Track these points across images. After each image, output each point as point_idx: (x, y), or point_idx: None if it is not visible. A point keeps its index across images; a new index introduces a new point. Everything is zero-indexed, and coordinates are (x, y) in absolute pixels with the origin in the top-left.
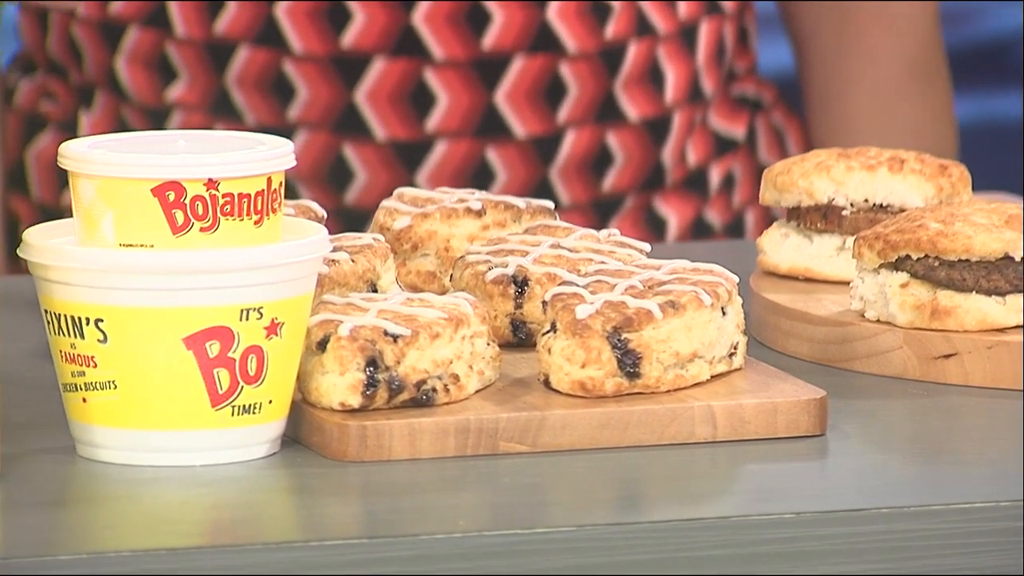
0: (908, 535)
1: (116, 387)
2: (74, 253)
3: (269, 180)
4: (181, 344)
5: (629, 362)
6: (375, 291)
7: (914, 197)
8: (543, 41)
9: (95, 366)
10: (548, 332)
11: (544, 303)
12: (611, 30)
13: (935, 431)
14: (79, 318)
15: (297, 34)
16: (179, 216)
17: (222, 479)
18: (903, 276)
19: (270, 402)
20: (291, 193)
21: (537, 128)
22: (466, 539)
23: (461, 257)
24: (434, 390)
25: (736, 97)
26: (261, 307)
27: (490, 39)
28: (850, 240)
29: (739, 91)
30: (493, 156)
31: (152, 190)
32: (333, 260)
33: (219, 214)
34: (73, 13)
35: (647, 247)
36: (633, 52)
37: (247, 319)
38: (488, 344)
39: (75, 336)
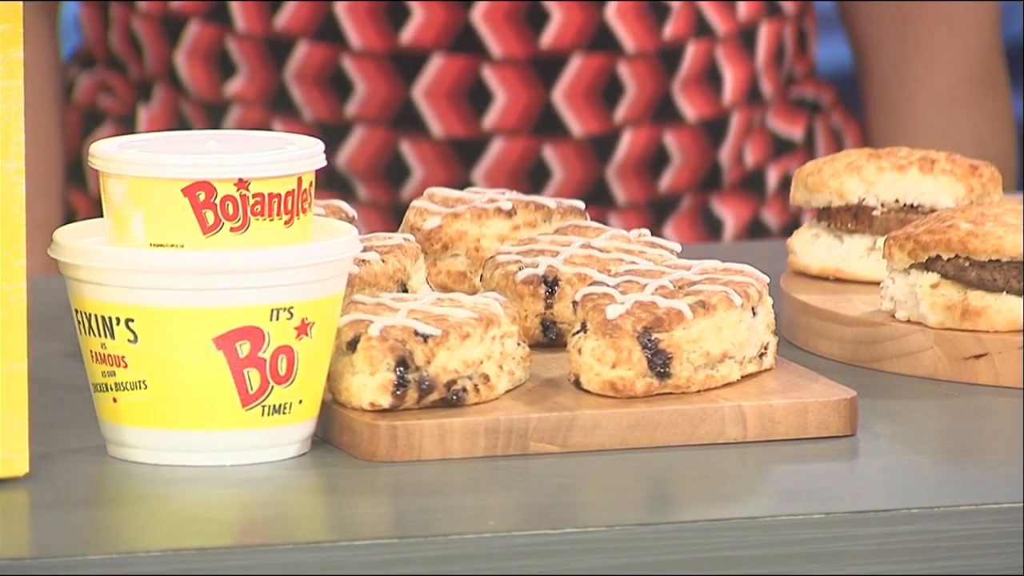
0: (938, 535)
1: (146, 387)
2: (104, 253)
3: (299, 180)
4: (211, 344)
5: (659, 362)
6: (405, 291)
7: (945, 197)
8: (601, 40)
9: (125, 366)
10: (578, 332)
11: (574, 303)
12: (669, 30)
13: (965, 431)
14: (109, 318)
15: (356, 30)
16: (209, 216)
17: (252, 479)
18: (933, 276)
19: (300, 402)
20: (347, 188)
21: (594, 127)
22: (496, 539)
23: (491, 257)
24: (464, 390)
25: (795, 99)
26: (291, 307)
27: (548, 37)
28: (880, 240)
29: (798, 93)
30: (550, 154)
31: (183, 190)
32: (363, 260)
33: (249, 214)
34: (134, 7)
35: (677, 247)
36: (691, 52)
37: (277, 319)
38: (518, 344)
39: (105, 336)
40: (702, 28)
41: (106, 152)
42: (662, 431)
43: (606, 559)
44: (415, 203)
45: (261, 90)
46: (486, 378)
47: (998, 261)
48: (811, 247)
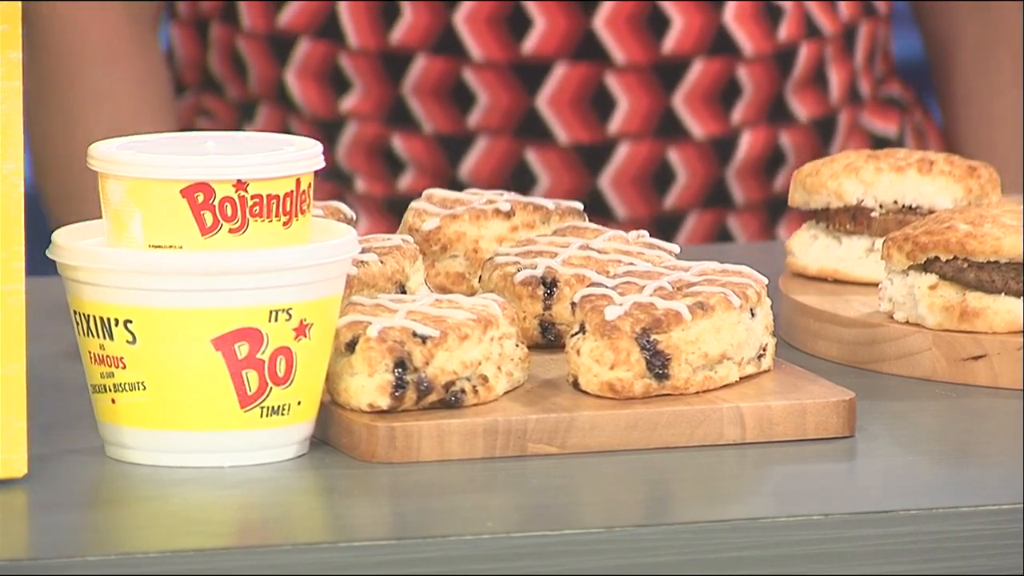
0: (937, 537)
1: (145, 388)
2: (103, 254)
3: (298, 181)
4: (210, 345)
5: (658, 363)
6: (404, 292)
7: (943, 198)
8: (721, 44)
9: (124, 367)
10: (577, 333)
11: (573, 304)
12: (783, 32)
13: (964, 433)
14: (108, 319)
15: (476, 42)
16: (208, 217)
17: (251, 480)
18: (932, 278)
19: (299, 403)
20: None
21: (714, 129)
22: (494, 540)
23: (490, 259)
24: (463, 391)
25: (884, 97)
26: (290, 308)
27: (670, 42)
28: (879, 242)
29: (886, 92)
30: (674, 157)
31: (181, 191)
32: (362, 261)
33: (248, 215)
34: (239, 27)
35: (676, 248)
36: (804, 54)
37: (276, 320)
38: (517, 345)
39: (104, 337)
40: (812, 30)
41: (104, 153)
42: (660, 432)
43: (605, 560)
44: (413, 204)
45: (378, 105)
46: (484, 379)
47: (996, 262)
48: (809, 248)
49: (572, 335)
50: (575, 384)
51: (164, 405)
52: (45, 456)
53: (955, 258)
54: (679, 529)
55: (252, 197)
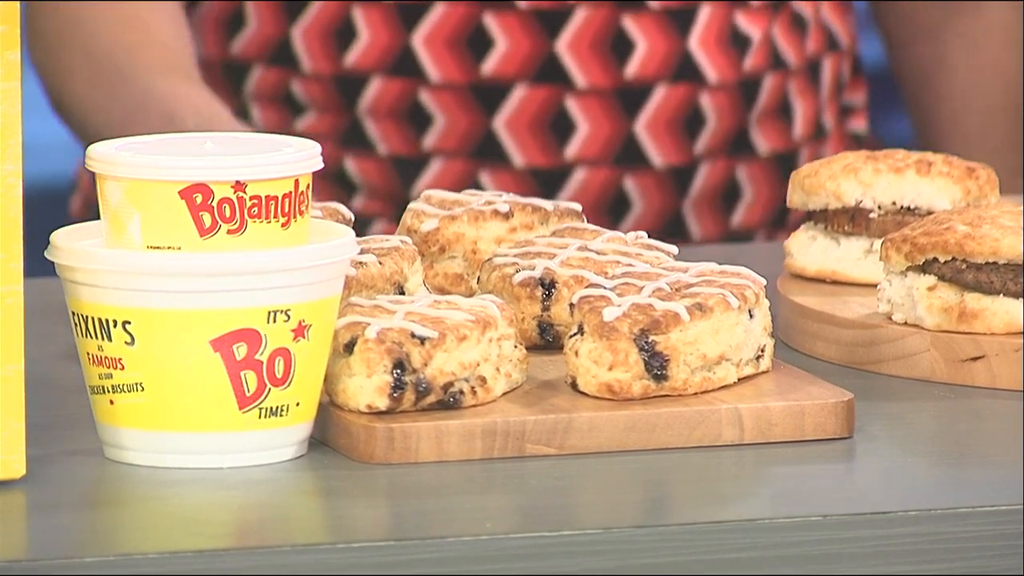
0: (935, 538)
1: (143, 389)
2: (101, 255)
3: (296, 182)
4: (208, 346)
5: (656, 364)
6: (402, 293)
7: (942, 199)
8: (685, 70)
9: (122, 368)
10: (575, 335)
11: (571, 305)
12: (749, 62)
13: (962, 434)
14: (106, 320)
15: (435, 63)
16: (206, 218)
17: (249, 481)
18: (930, 279)
19: (297, 404)
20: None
21: (675, 158)
22: (493, 542)
23: (488, 260)
24: (461, 392)
25: (849, 133)
26: (288, 309)
27: (632, 67)
28: (877, 243)
29: (853, 128)
30: (631, 185)
31: (179, 192)
32: (360, 262)
33: (246, 216)
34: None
35: (675, 249)
36: (768, 85)
37: (274, 321)
38: (515, 347)
39: (102, 338)
40: (778, 61)
41: (103, 154)
42: (659, 433)
43: (604, 561)
44: (412, 205)
45: (333, 126)
46: (483, 380)
47: (995, 263)
48: (808, 249)
49: (570, 336)
50: (573, 385)
51: (162, 406)
52: (43, 457)
53: (953, 259)
54: (676, 530)
55: (251, 198)
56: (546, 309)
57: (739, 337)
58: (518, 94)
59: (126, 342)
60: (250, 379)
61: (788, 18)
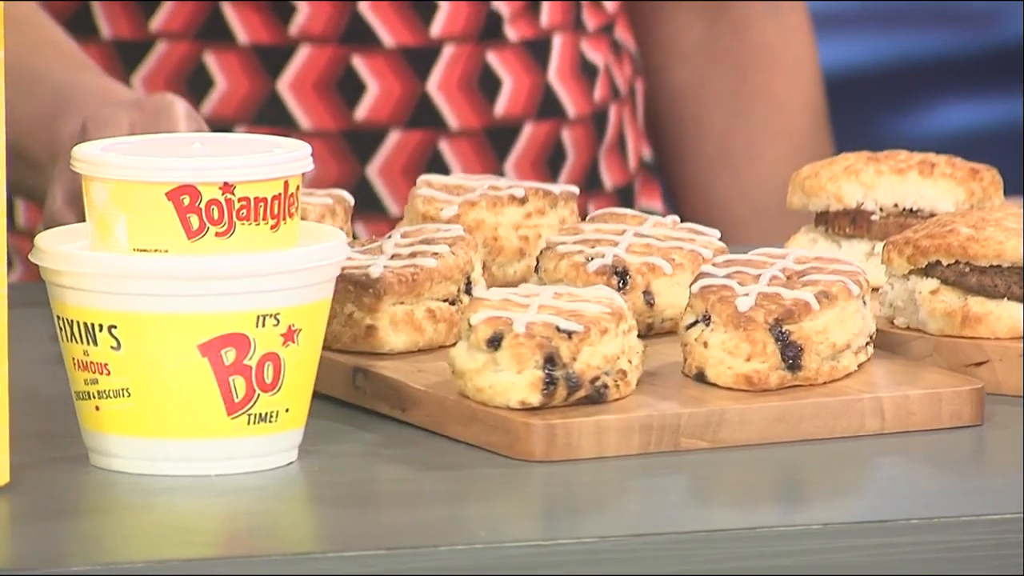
0: (937, 546)
1: (130, 395)
2: (87, 258)
3: (286, 184)
4: (196, 351)
5: (791, 355)
6: (470, 283)
7: (944, 201)
8: (548, 106)
9: (108, 373)
10: (695, 324)
11: (646, 294)
12: (598, 93)
13: (966, 440)
14: (92, 324)
15: (304, 110)
16: (194, 220)
17: (238, 489)
18: (933, 282)
19: (287, 410)
20: (288, 118)
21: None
22: (487, 551)
23: (548, 248)
24: (606, 386)
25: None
26: (278, 313)
27: (501, 105)
28: (879, 245)
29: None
30: None
31: (167, 194)
32: (435, 253)
33: (235, 218)
34: None
35: (717, 233)
36: (612, 117)
37: (263, 325)
38: (638, 337)
39: (88, 343)
40: (615, 91)
41: (89, 155)
42: (805, 424)
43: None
44: (419, 192)
45: (189, 21)
46: (624, 373)
47: (999, 266)
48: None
49: (688, 326)
50: (700, 376)
51: (149, 412)
52: (28, 464)
53: (957, 262)
54: (675, 539)
55: (239, 200)
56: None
57: (859, 324)
58: (392, 139)
59: (112, 347)
60: (239, 384)
61: (611, 44)
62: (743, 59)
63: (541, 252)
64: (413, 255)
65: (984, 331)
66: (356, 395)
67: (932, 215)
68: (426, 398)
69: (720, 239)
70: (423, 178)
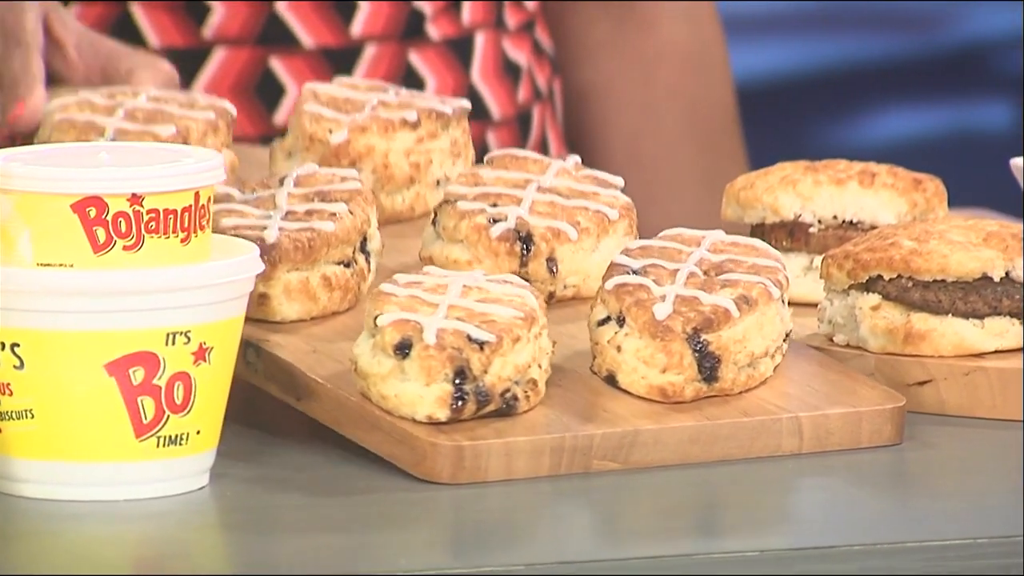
0: (881, 573)
1: (34, 416)
2: None
3: (197, 195)
4: (103, 370)
5: (708, 366)
6: (365, 240)
7: (886, 213)
8: (473, 107)
9: (11, 394)
10: (607, 321)
11: (549, 261)
12: (522, 94)
13: (909, 463)
14: None
15: None
16: (101, 234)
17: (147, 514)
18: (874, 298)
19: (198, 432)
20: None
21: None
22: None
23: (448, 202)
24: (516, 398)
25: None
26: (188, 331)
27: None
28: (818, 259)
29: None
30: None
31: (72, 206)
32: (332, 214)
33: (143, 231)
34: None
35: (620, 181)
36: (536, 118)
37: (173, 343)
38: (547, 337)
39: None
40: (537, 92)
41: None
42: (721, 445)
43: None
44: (306, 108)
45: (96, 23)
46: (534, 384)
47: (943, 281)
48: None
49: (600, 323)
50: (610, 379)
51: (54, 434)
52: None
53: (899, 277)
54: (586, 567)
55: (148, 212)
56: (524, 265)
57: (777, 328)
58: None
59: (15, 366)
60: (147, 405)
61: (532, 44)
62: (651, 58)
63: (440, 205)
64: (309, 213)
65: (927, 349)
66: (248, 372)
67: (873, 227)
68: (324, 392)
69: (623, 190)
70: (308, 88)
